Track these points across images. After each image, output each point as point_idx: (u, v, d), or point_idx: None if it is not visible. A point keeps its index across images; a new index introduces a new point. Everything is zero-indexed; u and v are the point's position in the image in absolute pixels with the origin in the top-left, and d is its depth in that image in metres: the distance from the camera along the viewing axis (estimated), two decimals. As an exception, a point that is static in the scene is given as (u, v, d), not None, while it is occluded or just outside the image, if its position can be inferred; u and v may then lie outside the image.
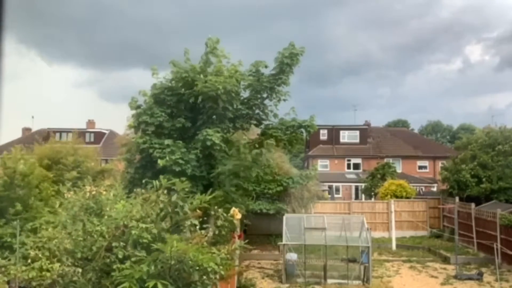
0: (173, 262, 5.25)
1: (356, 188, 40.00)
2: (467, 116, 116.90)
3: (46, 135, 41.67)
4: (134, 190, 7.07)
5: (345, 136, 46.64)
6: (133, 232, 5.71)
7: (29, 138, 40.01)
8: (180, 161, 12.98)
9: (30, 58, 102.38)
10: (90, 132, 48.19)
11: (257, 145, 14.99)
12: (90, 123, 50.41)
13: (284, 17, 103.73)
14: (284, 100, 15.35)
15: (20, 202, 12.07)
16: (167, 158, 12.88)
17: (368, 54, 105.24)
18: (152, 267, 5.19)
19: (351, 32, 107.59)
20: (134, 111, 14.60)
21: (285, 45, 14.83)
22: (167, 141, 13.42)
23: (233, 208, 9.46)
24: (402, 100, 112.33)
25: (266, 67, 15.06)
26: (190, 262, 5.34)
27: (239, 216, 9.58)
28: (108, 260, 5.85)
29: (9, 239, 11.28)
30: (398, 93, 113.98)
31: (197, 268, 5.43)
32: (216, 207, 8.23)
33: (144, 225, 5.80)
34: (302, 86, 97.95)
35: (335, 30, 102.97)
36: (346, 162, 45.04)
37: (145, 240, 5.72)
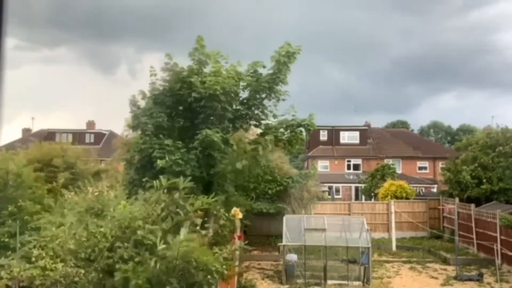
0: (178, 262, 5.22)
1: (356, 189, 39.99)
2: (467, 116, 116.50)
3: (45, 136, 41.64)
4: (138, 191, 7.05)
5: (345, 137, 46.64)
6: (138, 232, 5.68)
7: (29, 139, 40.01)
8: (180, 162, 12.97)
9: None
10: (90, 133, 48.03)
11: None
12: (90, 123, 50.18)
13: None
14: (283, 99, 15.34)
15: (14, 202, 12.05)
16: (167, 158, 12.86)
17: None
18: (158, 266, 5.15)
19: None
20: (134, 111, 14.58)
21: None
22: (167, 141, 13.40)
23: (234, 208, 9.45)
24: (402, 100, 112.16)
25: (264, 67, 15.05)
26: (194, 262, 5.31)
27: (240, 216, 9.57)
28: (110, 261, 5.82)
29: (6, 239, 11.24)
30: (398, 93, 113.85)
31: (201, 268, 5.40)
32: (218, 207, 8.21)
33: (149, 226, 5.77)
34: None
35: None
36: (346, 163, 45.03)
37: (149, 242, 5.69)
